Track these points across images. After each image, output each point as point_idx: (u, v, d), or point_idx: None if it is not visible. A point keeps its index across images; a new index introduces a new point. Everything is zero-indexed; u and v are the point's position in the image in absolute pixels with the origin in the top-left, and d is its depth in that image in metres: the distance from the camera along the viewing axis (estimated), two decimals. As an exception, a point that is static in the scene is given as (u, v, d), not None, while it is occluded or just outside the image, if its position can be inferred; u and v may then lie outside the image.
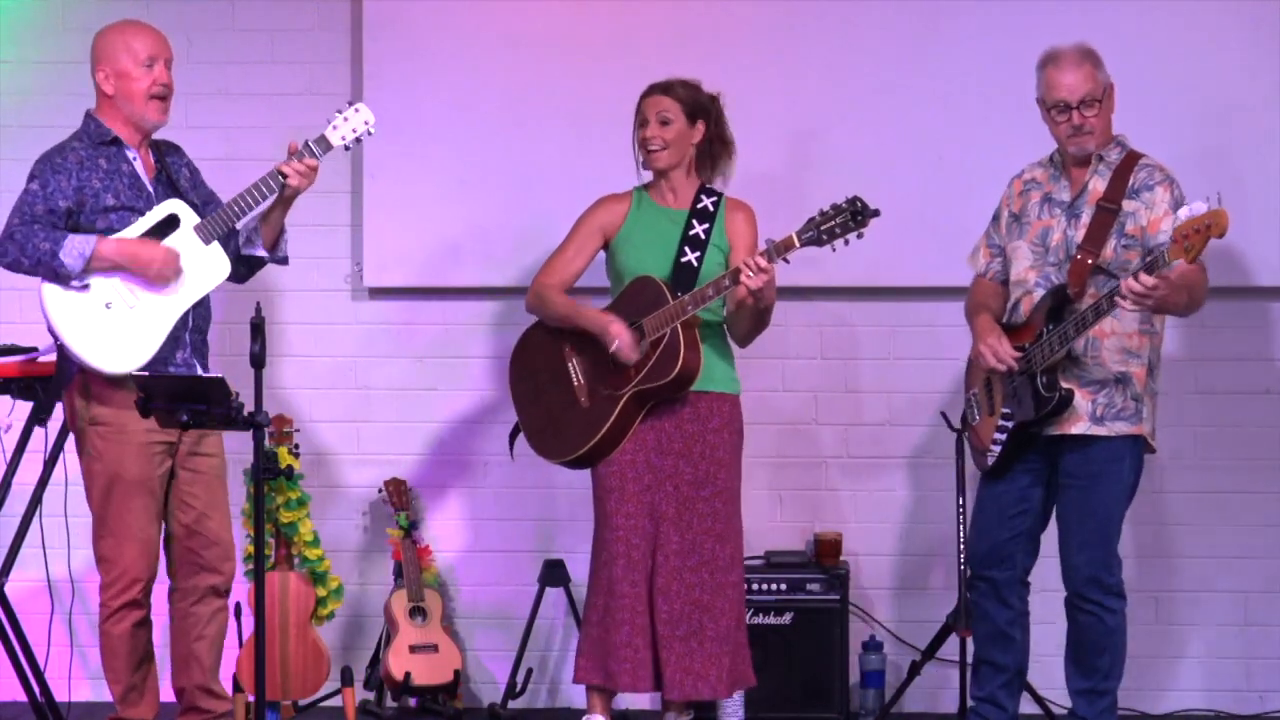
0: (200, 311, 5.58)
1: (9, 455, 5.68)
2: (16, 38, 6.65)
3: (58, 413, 5.64)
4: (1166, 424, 6.49)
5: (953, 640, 5.97)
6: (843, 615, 6.32)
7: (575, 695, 6.20)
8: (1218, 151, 6.39)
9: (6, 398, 5.67)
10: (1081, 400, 5.47)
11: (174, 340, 5.49)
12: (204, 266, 5.49)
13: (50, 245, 5.41)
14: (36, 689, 5.69)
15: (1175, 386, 6.50)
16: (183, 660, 5.63)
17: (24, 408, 5.64)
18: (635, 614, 5.62)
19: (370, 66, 6.57)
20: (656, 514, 5.66)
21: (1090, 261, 5.44)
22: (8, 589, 5.61)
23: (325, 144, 5.55)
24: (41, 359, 5.70)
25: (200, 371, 5.54)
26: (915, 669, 6.24)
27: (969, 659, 5.81)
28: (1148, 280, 5.17)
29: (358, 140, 5.61)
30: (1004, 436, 5.56)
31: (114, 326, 5.45)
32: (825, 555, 6.41)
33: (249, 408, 5.09)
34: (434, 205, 6.55)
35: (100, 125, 5.57)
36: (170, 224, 5.48)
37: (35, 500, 5.58)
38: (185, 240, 5.48)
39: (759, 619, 6.26)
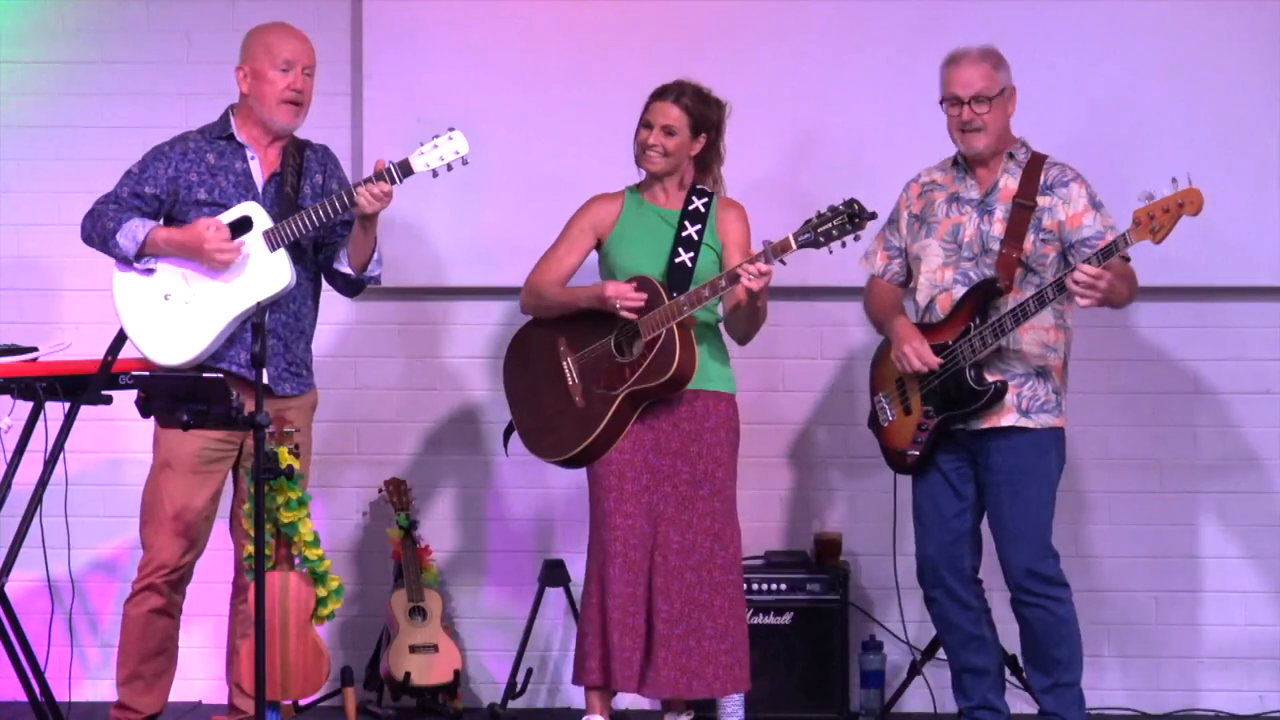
0: (282, 319, 5.58)
1: (9, 455, 5.68)
2: (17, 38, 6.65)
3: (56, 412, 5.64)
4: (1167, 424, 6.52)
5: (952, 640, 5.97)
6: (843, 615, 6.32)
7: (575, 695, 6.20)
8: (1218, 150, 6.39)
9: (7, 398, 5.67)
10: (1008, 393, 5.52)
11: (239, 341, 5.53)
12: (263, 272, 5.50)
13: (113, 225, 5.52)
14: (36, 689, 5.69)
15: (1174, 386, 6.53)
16: (230, 655, 5.73)
17: (24, 407, 5.64)
18: (628, 614, 5.62)
19: (370, 66, 6.57)
20: (655, 514, 5.66)
21: (1016, 256, 5.50)
22: (8, 589, 5.61)
23: (407, 169, 5.48)
24: (42, 359, 5.70)
25: (274, 380, 5.56)
26: (915, 669, 6.25)
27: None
28: (1094, 270, 5.25)
29: (448, 168, 5.52)
30: (925, 436, 5.59)
31: (168, 319, 5.52)
32: (825, 555, 6.41)
33: (249, 408, 5.10)
34: (434, 205, 6.55)
35: (226, 121, 5.66)
36: (244, 225, 5.51)
37: (35, 500, 5.58)
38: (251, 244, 5.50)
39: (759, 619, 6.26)
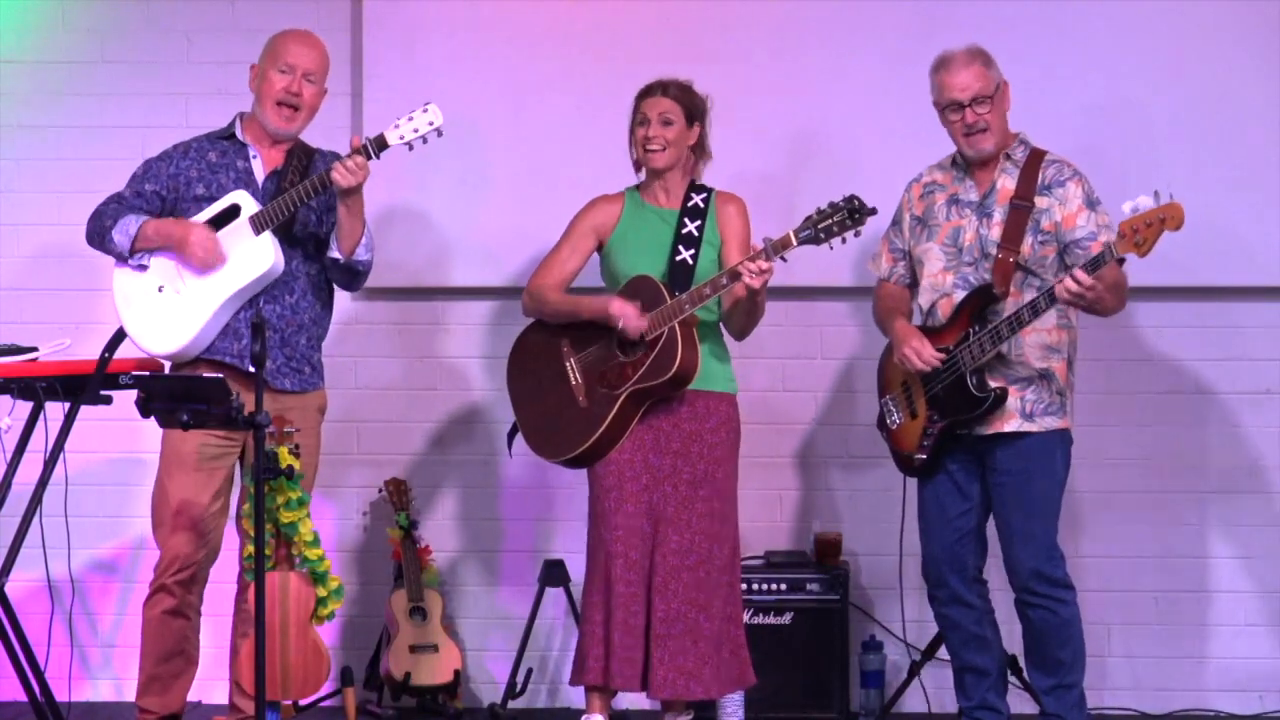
0: (277, 310, 5.59)
1: (9, 455, 5.68)
2: (16, 38, 6.65)
3: (56, 412, 5.64)
4: (1167, 424, 6.52)
5: (953, 640, 5.97)
6: (843, 615, 6.32)
7: (575, 695, 6.20)
8: (1217, 151, 6.40)
9: (7, 398, 5.67)
10: (1011, 398, 5.52)
11: (232, 332, 5.56)
12: (247, 256, 5.53)
13: (110, 223, 5.60)
14: (36, 689, 5.69)
15: (1175, 386, 6.53)
16: (232, 655, 5.74)
17: (24, 407, 5.64)
18: (630, 614, 5.62)
19: (370, 66, 6.57)
20: (655, 514, 5.66)
21: (1012, 260, 5.50)
22: (8, 589, 5.61)
23: (382, 143, 5.51)
24: (42, 359, 5.70)
25: (272, 374, 5.56)
26: (915, 669, 6.25)
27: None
28: (1085, 279, 5.25)
29: (423, 140, 5.52)
30: (931, 441, 5.59)
31: (161, 310, 5.58)
32: (825, 555, 6.41)
33: (249, 408, 5.10)
34: (433, 205, 6.56)
35: (234, 122, 5.72)
36: (232, 213, 5.57)
37: (35, 500, 5.58)
38: (237, 229, 5.54)
39: (759, 619, 6.26)
